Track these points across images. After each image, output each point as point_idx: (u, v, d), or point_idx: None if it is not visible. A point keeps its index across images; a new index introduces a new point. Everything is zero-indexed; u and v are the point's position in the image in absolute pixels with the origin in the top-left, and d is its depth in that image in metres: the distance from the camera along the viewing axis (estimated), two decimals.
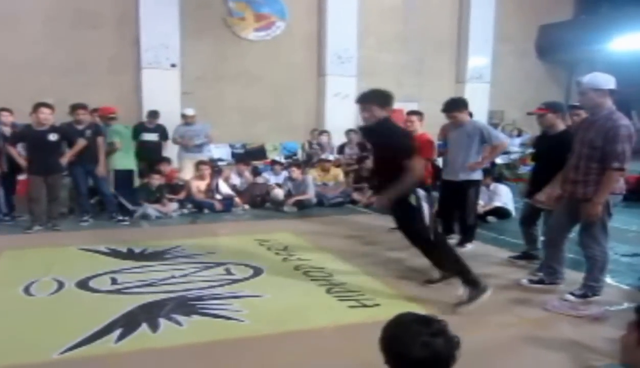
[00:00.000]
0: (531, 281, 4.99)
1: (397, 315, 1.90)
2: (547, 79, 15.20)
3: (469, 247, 6.39)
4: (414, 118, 7.10)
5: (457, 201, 6.40)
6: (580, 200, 4.41)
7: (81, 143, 7.60)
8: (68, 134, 7.56)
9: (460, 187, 6.29)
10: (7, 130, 7.73)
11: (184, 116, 9.81)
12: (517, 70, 14.90)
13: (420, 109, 7.78)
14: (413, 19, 13.76)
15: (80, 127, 7.73)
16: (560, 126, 5.36)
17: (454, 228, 6.69)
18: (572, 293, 4.55)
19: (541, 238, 5.55)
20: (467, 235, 6.46)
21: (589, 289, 4.53)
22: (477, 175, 6.40)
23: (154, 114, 9.73)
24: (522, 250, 5.86)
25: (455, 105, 6.40)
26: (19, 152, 7.44)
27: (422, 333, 1.76)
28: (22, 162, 7.35)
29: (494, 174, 8.87)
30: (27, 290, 4.70)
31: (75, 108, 7.76)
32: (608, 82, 4.28)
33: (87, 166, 7.77)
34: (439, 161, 7.74)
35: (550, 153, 5.23)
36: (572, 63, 14.71)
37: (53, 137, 7.24)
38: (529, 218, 5.73)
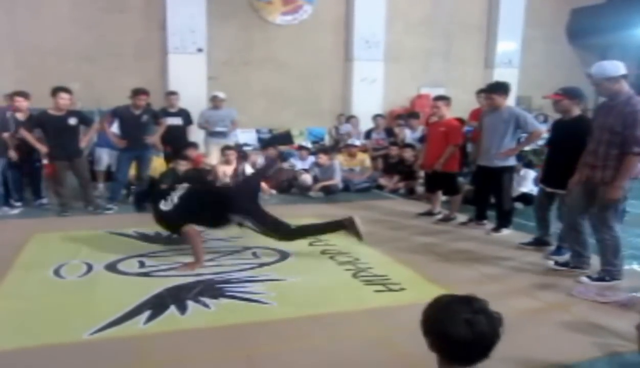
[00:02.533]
0: (557, 263, 4.98)
1: (435, 298, 1.89)
2: (578, 64, 14.83)
3: (505, 232, 6.34)
4: (440, 103, 7.06)
5: (491, 187, 6.37)
6: (598, 184, 4.45)
7: (96, 126, 7.69)
8: (85, 117, 7.61)
9: (495, 173, 6.25)
10: (22, 116, 7.56)
11: (214, 98, 9.74)
12: (547, 56, 14.58)
13: (447, 94, 7.66)
14: (442, 3, 13.55)
15: (137, 112, 7.78)
16: (576, 111, 5.29)
17: (487, 214, 6.65)
18: (588, 277, 4.59)
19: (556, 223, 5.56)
20: (504, 220, 6.40)
21: (607, 274, 4.55)
22: (512, 161, 6.38)
23: (171, 93, 9.72)
24: (534, 237, 5.80)
25: (495, 87, 6.38)
26: (38, 137, 7.33)
27: (463, 311, 1.75)
28: (40, 147, 7.27)
29: (524, 159, 8.76)
30: (57, 272, 4.78)
31: (137, 93, 7.76)
32: (618, 68, 4.36)
33: (137, 151, 7.83)
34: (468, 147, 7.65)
35: (566, 138, 5.18)
36: (604, 48, 14.33)
37: (72, 121, 7.26)
38: (542, 203, 5.67)
